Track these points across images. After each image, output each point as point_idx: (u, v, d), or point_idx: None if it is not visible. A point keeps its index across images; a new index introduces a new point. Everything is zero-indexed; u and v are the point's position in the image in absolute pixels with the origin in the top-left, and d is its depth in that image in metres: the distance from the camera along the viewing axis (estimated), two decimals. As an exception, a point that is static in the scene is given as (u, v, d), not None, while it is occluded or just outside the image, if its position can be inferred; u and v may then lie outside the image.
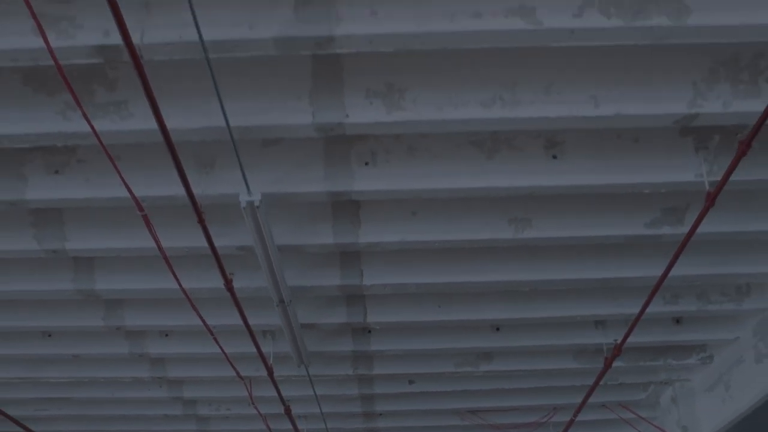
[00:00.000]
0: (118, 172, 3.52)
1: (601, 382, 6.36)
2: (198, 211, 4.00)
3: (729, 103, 3.72)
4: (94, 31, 3.30)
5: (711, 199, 4.06)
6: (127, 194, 3.67)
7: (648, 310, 5.19)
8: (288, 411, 6.87)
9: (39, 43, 2.88)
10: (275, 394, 6.35)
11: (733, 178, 3.87)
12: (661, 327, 6.01)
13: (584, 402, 6.82)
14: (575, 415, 7.19)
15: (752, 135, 3.62)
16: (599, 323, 5.98)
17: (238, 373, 6.25)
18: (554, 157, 4.16)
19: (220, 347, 5.66)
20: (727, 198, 4.09)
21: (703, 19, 3.26)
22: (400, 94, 3.68)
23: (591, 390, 6.47)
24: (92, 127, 3.31)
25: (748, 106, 3.69)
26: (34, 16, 2.73)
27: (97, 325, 5.75)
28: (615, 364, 6.07)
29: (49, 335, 6.11)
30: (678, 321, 5.99)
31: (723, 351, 6.35)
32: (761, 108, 3.43)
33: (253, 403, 6.84)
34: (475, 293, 5.45)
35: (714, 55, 3.66)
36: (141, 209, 4.00)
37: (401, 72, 3.63)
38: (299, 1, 3.23)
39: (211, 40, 3.11)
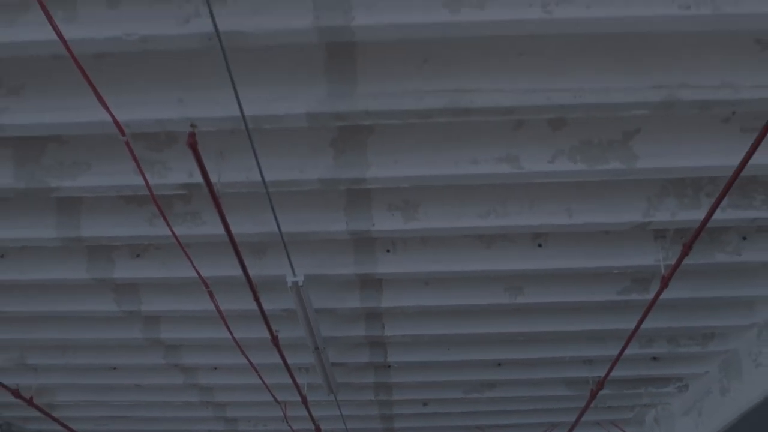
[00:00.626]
0: (190, 260, 4.59)
1: (592, 405, 7.44)
2: (254, 291, 5.09)
3: (676, 213, 4.74)
4: (181, 172, 4.36)
5: (665, 282, 5.09)
6: (195, 275, 4.76)
7: (627, 352, 6.23)
8: (318, 429, 8.00)
9: (139, 180, 3.92)
10: (306, 414, 7.48)
11: (685, 262, 4.90)
12: (640, 363, 7.04)
13: (576, 423, 7.91)
14: (576, 424, 8.29)
15: (692, 240, 4.65)
16: (587, 361, 7.02)
17: (275, 398, 7.37)
18: (539, 245, 5.21)
19: (263, 381, 6.78)
20: (683, 273, 5.09)
21: (649, 163, 4.28)
22: (415, 208, 4.74)
23: (580, 415, 7.55)
24: (173, 233, 4.39)
25: (691, 215, 4.70)
26: (136, 160, 3.77)
27: (159, 363, 6.90)
28: (603, 392, 7.13)
29: (114, 368, 7.27)
30: (655, 358, 7.02)
31: (696, 382, 7.40)
32: (701, 217, 4.43)
33: (287, 422, 7.98)
34: (478, 341, 6.53)
35: (664, 176, 4.67)
36: (207, 286, 5.11)
37: (416, 193, 4.68)
38: (338, 151, 4.28)
39: (271, 180, 4.17)
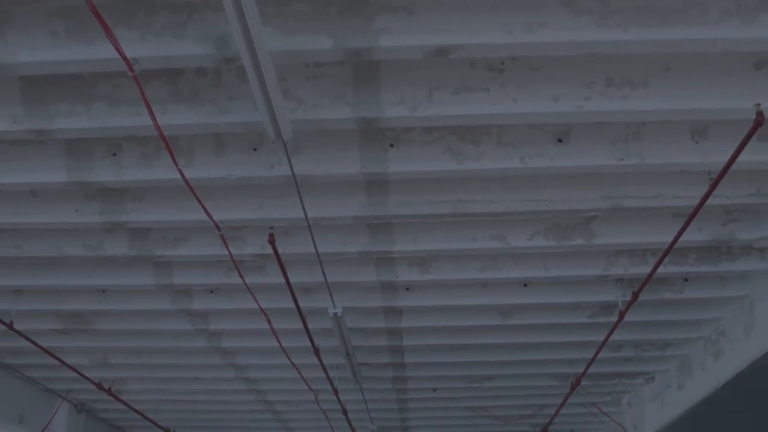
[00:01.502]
0: (255, 299, 6.22)
1: (574, 393, 9.11)
2: (302, 316, 6.72)
3: (628, 268, 6.28)
4: (255, 246, 5.92)
5: (621, 316, 6.68)
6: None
7: (600, 355, 7.83)
8: (345, 412, 9.72)
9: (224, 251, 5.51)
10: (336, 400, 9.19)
11: (639, 299, 6.46)
12: (613, 362, 8.64)
13: (560, 408, 9.61)
14: (558, 411, 9.98)
15: (639, 289, 6.22)
16: (568, 361, 8.62)
17: (310, 387, 9.04)
18: (525, 285, 6.78)
19: (304, 378, 8.47)
20: (639, 304, 6.63)
21: (605, 239, 5.82)
22: (429, 265, 6.31)
23: (562, 403, 9.25)
24: (245, 282, 6.01)
25: (640, 270, 6.23)
26: (225, 244, 5.34)
27: (218, 363, 8.60)
28: (583, 383, 8.77)
29: (179, 366, 8.94)
30: (625, 359, 8.64)
31: (660, 376, 9.04)
32: (648, 270, 5.96)
33: (319, 405, 9.69)
34: (478, 348, 8.17)
35: (617, 248, 6.19)
36: (266, 315, 6.75)
37: (430, 257, 6.25)
38: (372, 233, 5.83)
39: (322, 251, 5.73)
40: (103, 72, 4.14)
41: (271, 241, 5.32)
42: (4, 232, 5.85)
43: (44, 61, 3.86)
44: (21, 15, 3.79)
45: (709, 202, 4.77)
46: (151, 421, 10.80)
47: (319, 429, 11.32)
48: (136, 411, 10.19)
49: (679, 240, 5.34)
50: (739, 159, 4.26)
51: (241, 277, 6.00)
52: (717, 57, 4.05)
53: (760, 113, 3.99)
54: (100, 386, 9.07)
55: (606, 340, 7.28)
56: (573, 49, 3.86)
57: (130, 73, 3.71)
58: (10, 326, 7.07)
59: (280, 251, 5.48)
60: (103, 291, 6.96)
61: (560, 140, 4.72)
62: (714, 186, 4.61)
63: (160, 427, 11.15)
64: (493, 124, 4.61)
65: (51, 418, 10.01)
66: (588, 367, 8.12)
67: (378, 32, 3.75)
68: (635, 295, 6.28)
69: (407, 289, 6.84)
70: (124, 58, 3.58)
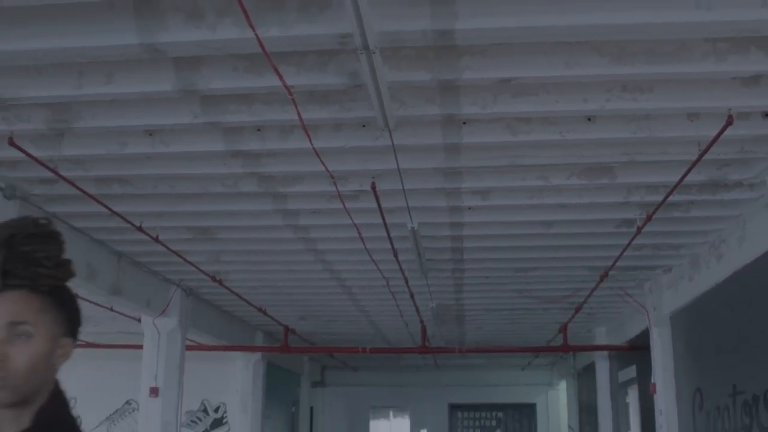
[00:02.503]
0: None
1: (604, 280, 11.14)
2: (388, 233, 8.72)
3: (643, 197, 8.10)
4: (355, 184, 7.84)
5: (638, 230, 8.56)
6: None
7: (624, 254, 9.76)
8: (411, 295, 11.89)
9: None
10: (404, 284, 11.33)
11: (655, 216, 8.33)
12: (637, 258, 10.55)
13: (593, 290, 11.70)
14: (590, 294, 12.07)
15: (653, 212, 8.07)
16: (597, 257, 10.55)
17: (384, 275, 11.16)
18: (563, 206, 8.64)
19: (380, 271, 10.60)
20: (656, 220, 8.50)
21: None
22: (488, 194, 8.21)
23: (593, 289, 11.32)
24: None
25: (654, 198, 8.06)
26: (335, 185, 7.28)
27: (308, 260, 10.72)
28: (610, 273, 10.78)
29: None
30: (646, 256, 10.55)
31: (676, 268, 11.00)
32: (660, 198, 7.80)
33: (389, 289, 11.88)
34: (525, 250, 10.17)
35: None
36: (359, 230, 8.77)
37: (491, 190, 8.11)
38: (446, 175, 7.69)
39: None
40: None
41: (373, 188, 7.27)
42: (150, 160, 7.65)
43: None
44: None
45: (704, 157, 6.55)
46: (247, 302, 13.17)
47: (387, 308, 13.64)
48: (237, 294, 12.53)
49: (683, 181, 7.19)
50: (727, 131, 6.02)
51: (343, 203, 7.95)
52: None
53: (730, 116, 5.77)
54: (213, 278, 11.35)
55: (628, 244, 9.21)
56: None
57: (289, 96, 5.57)
58: (155, 239, 9.23)
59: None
60: (229, 214, 8.99)
61: (589, 119, 6.49)
62: (701, 155, 6.42)
63: (254, 307, 13.53)
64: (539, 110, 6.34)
65: (169, 302, 12.40)
66: (614, 263, 10.11)
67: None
68: (649, 217, 8.15)
69: (469, 209, 8.74)
70: (286, 87, 5.42)
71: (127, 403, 18.39)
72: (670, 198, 7.70)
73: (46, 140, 6.83)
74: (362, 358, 20.74)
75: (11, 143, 6.45)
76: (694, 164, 6.70)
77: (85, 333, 12.42)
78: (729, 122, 5.84)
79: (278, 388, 19.28)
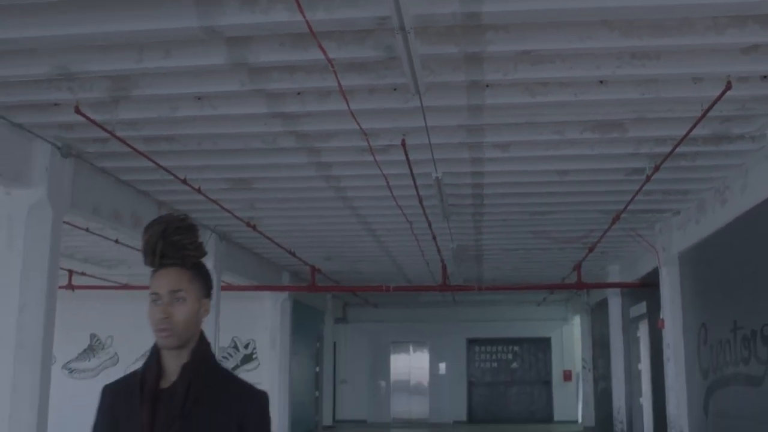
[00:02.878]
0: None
1: (616, 223, 11.87)
2: (414, 181, 9.44)
3: (652, 149, 8.76)
4: (385, 139, 8.54)
5: (648, 179, 9.24)
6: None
7: (638, 197, 10.43)
8: (434, 237, 12.67)
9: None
10: (427, 227, 12.10)
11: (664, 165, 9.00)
12: (649, 202, 11.20)
13: (606, 231, 12.43)
14: (603, 235, 12.81)
15: (661, 162, 8.74)
16: (611, 202, 11.24)
17: (407, 218, 11.93)
18: (577, 157, 9.31)
19: (405, 216, 11.35)
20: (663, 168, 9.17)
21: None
22: (508, 146, 8.89)
23: (608, 229, 12.06)
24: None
25: (662, 149, 8.72)
26: (367, 140, 8.00)
27: (338, 206, 11.48)
28: (623, 215, 11.50)
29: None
30: (656, 201, 11.22)
31: (684, 211, 11.70)
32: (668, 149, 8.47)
33: (413, 232, 12.66)
34: (541, 196, 10.88)
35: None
36: (386, 179, 9.50)
37: (510, 142, 8.78)
38: (468, 130, 8.37)
39: None
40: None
41: (403, 144, 7.98)
42: (197, 122, 8.34)
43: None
44: None
45: (708, 114, 7.19)
46: (277, 244, 13.99)
47: (410, 249, 14.46)
48: (268, 238, 13.36)
49: (689, 134, 7.84)
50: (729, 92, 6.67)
51: (373, 156, 8.65)
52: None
53: (729, 81, 6.41)
54: (247, 223, 12.16)
55: (638, 190, 9.89)
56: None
57: (331, 68, 6.24)
58: (197, 190, 10.00)
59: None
60: (266, 167, 9.73)
61: (601, 82, 7.12)
62: (706, 112, 7.07)
63: (284, 249, 14.37)
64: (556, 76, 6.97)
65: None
66: (626, 207, 10.82)
67: None
68: (657, 167, 8.83)
69: (491, 160, 9.43)
70: (329, 60, 6.08)
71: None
72: (677, 149, 8.35)
73: (104, 106, 7.54)
74: (383, 295, 21.67)
75: (77, 111, 7.18)
76: (699, 120, 7.34)
77: (120, 275, 13.52)
78: (728, 87, 6.49)
79: (304, 325, 20.29)
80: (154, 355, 2.56)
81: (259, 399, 2.56)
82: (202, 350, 2.61)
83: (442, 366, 26.10)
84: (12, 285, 8.30)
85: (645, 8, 5.65)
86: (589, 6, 5.62)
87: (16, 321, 8.23)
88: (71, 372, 19.66)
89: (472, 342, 26.16)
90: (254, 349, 19.05)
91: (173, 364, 2.55)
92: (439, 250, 13.97)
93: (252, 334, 18.90)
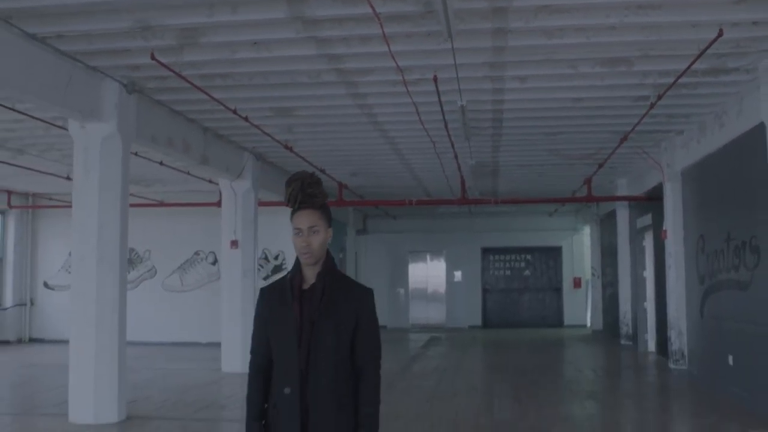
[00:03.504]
0: None
1: (623, 145, 13.02)
2: (441, 106, 10.58)
3: (656, 80, 9.83)
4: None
5: (651, 105, 10.33)
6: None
7: (645, 120, 11.54)
8: (456, 156, 13.85)
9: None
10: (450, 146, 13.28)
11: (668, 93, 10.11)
12: (655, 124, 12.33)
13: (615, 150, 13.58)
14: (612, 153, 13.96)
15: (665, 91, 9.83)
16: (620, 124, 12.35)
17: (431, 138, 13.10)
18: (588, 86, 10.40)
19: (430, 137, 12.51)
20: (668, 95, 10.28)
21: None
22: (526, 79, 9.97)
23: (616, 147, 13.21)
24: None
25: (665, 80, 9.79)
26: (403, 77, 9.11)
27: (369, 129, 12.64)
28: (631, 135, 12.63)
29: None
30: (660, 122, 12.32)
31: (687, 131, 12.81)
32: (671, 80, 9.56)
33: (435, 151, 13.84)
34: (556, 119, 12.01)
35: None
36: (416, 107, 10.64)
37: (530, 75, 9.87)
38: (493, 67, 9.46)
39: None
40: None
41: (434, 79, 9.09)
42: (251, 62, 9.46)
43: None
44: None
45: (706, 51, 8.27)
46: (309, 163, 15.19)
47: (431, 166, 15.68)
48: (302, 157, 14.56)
49: (690, 68, 8.92)
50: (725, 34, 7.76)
51: (406, 87, 9.75)
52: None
53: (721, 29, 7.48)
54: (285, 145, 13.35)
55: (644, 115, 11.01)
56: None
57: (377, 20, 7.32)
58: (246, 119, 11.16)
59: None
60: (307, 97, 10.85)
61: (610, 27, 8.17)
62: (704, 51, 8.15)
63: (315, 167, 15.58)
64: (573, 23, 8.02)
65: (243, 167, 14.47)
66: (633, 128, 11.94)
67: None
68: (660, 96, 9.93)
69: (511, 90, 10.52)
70: (376, 14, 7.17)
71: (196, 253, 20.93)
72: (679, 81, 9.44)
73: (171, 51, 8.65)
74: (402, 208, 22.98)
75: (152, 57, 8.33)
76: (697, 58, 8.43)
77: (156, 192, 15.02)
78: (720, 34, 7.55)
79: (327, 236, 21.65)
80: (297, 267, 3.78)
81: (368, 293, 3.78)
82: (329, 264, 3.82)
83: (458, 274, 27.60)
84: (91, 207, 9.62)
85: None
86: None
87: (96, 239, 9.56)
88: (113, 282, 21.14)
89: (486, 251, 27.60)
90: (283, 260, 20.49)
91: (311, 274, 3.77)
92: (459, 167, 15.14)
93: (281, 245, 20.28)
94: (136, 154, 12.99)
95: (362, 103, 11.10)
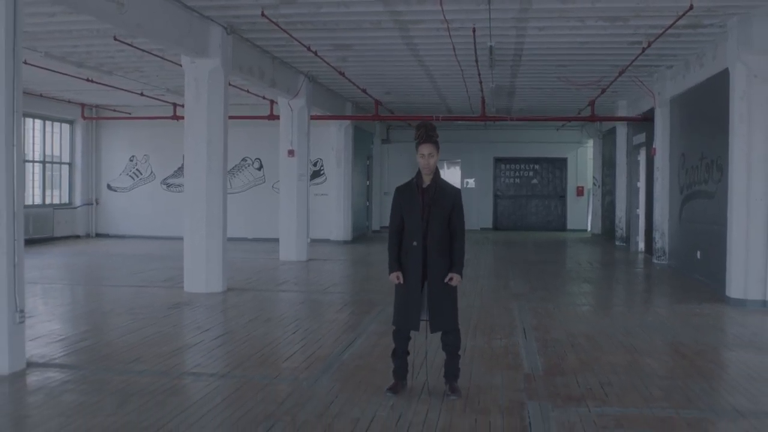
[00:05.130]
0: None
1: (622, 74, 15.68)
2: (475, 44, 13.23)
3: (647, 31, 12.44)
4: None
5: (642, 50, 12.97)
6: None
7: (640, 57, 14.20)
8: (480, 82, 16.51)
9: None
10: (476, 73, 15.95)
11: (658, 40, 12.74)
12: (647, 59, 14.96)
13: (615, 79, 16.25)
14: (612, 81, 16.60)
15: (654, 39, 12.46)
16: (618, 59, 14.97)
17: (461, 67, 15.76)
18: (589, 36, 13.02)
19: (458, 63, 15.18)
20: (657, 41, 12.92)
21: (635, 22, 11.99)
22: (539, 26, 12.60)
23: (616, 77, 15.89)
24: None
25: (656, 30, 12.40)
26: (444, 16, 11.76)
27: (411, 61, 15.30)
28: (626, 71, 15.28)
29: None
30: (653, 58, 14.94)
31: (676, 65, 15.44)
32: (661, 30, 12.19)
33: (463, 79, 16.51)
34: (565, 52, 14.65)
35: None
36: (452, 43, 13.30)
37: (546, 26, 12.49)
38: (516, 22, 12.09)
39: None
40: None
41: (473, 30, 11.73)
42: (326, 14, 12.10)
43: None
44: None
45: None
46: (354, 84, 17.84)
47: (457, 87, 18.34)
48: (348, 79, 17.23)
49: (673, 25, 11.56)
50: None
51: (448, 31, 12.39)
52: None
53: (691, 6, 10.13)
54: (339, 72, 16.03)
55: (639, 54, 13.68)
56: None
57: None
58: (315, 54, 13.83)
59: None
60: (363, 38, 13.47)
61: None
62: (683, 14, 10.79)
63: (358, 87, 18.25)
64: (581, -8, 10.61)
65: (298, 89, 17.17)
66: (630, 63, 14.61)
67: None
68: (649, 44, 12.60)
69: (531, 35, 13.12)
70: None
71: (243, 159, 23.71)
72: (665, 33, 12.09)
73: (271, 6, 11.28)
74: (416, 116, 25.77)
75: (262, 15, 11.03)
76: (676, 21, 11.08)
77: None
78: (690, 8, 10.21)
79: (358, 146, 24.45)
80: (419, 175, 6.57)
81: (458, 191, 6.62)
82: (437, 174, 6.59)
83: (472, 181, 30.47)
84: (200, 126, 12.40)
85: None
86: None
87: (206, 151, 12.39)
88: (168, 186, 24.05)
89: (498, 160, 30.40)
90: (322, 166, 23.34)
91: (427, 179, 6.56)
92: (482, 88, 17.81)
93: (319, 153, 23.08)
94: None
95: (410, 44, 13.76)
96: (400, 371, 6.55)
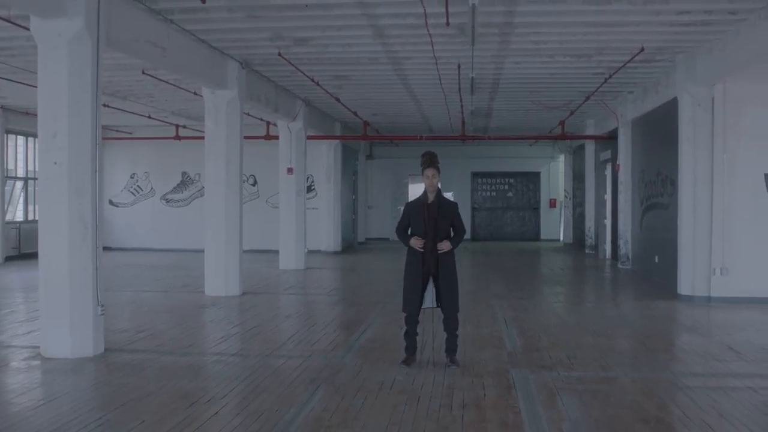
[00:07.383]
0: None
1: (589, 98, 17.68)
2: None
3: (614, 58, 14.44)
4: None
5: (605, 80, 14.97)
6: None
7: (613, 79, 16.21)
8: (459, 66, 18.45)
9: None
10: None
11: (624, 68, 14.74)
12: (612, 86, 16.96)
13: (583, 102, 18.26)
14: (580, 105, 18.62)
15: (614, 73, 14.46)
16: (587, 85, 16.97)
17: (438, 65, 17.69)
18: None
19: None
20: (622, 70, 14.91)
21: (597, 57, 13.98)
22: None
23: (584, 101, 17.89)
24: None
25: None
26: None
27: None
28: (592, 97, 17.29)
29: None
30: (615, 85, 16.95)
31: (635, 92, 17.47)
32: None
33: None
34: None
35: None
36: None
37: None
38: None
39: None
40: None
41: (458, 66, 13.64)
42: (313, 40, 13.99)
43: None
44: None
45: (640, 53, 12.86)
46: (347, 108, 19.72)
47: (440, 110, 20.25)
48: (344, 105, 19.10)
49: (630, 60, 13.54)
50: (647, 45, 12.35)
51: (437, 69, 14.30)
52: None
53: (642, 48, 12.12)
54: (335, 98, 17.90)
55: (603, 83, 15.69)
56: None
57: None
58: (317, 84, 15.71)
59: None
60: (358, 71, 15.36)
61: (577, 35, 12.73)
62: (637, 53, 12.77)
63: (350, 111, 20.12)
64: None
65: (296, 113, 19.03)
66: (595, 90, 16.62)
67: None
68: (611, 75, 14.59)
69: (507, 68, 15.07)
70: None
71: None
72: (624, 66, 14.10)
73: (286, 48, 13.12)
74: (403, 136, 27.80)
75: (279, 54, 12.86)
76: (630, 60, 13.08)
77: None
78: (642, 50, 12.20)
79: (345, 162, 26.30)
80: (425, 193, 8.44)
81: (456, 204, 8.51)
82: (439, 192, 8.46)
83: (450, 194, 32.31)
84: (220, 149, 14.21)
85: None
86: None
87: (225, 169, 14.20)
88: (168, 202, 25.72)
89: (475, 174, 32.39)
90: (312, 182, 25.15)
91: (432, 197, 8.43)
92: (462, 110, 19.76)
93: (311, 170, 24.80)
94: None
95: (402, 75, 15.70)
96: (411, 348, 8.40)
